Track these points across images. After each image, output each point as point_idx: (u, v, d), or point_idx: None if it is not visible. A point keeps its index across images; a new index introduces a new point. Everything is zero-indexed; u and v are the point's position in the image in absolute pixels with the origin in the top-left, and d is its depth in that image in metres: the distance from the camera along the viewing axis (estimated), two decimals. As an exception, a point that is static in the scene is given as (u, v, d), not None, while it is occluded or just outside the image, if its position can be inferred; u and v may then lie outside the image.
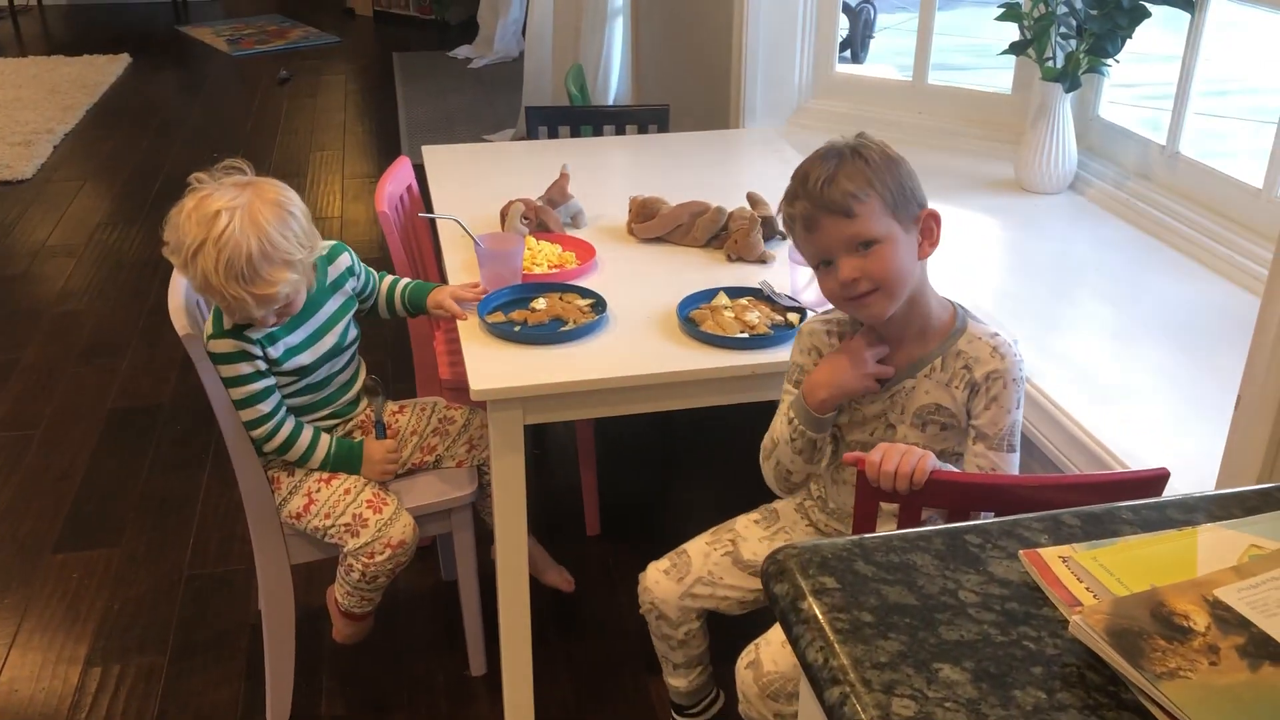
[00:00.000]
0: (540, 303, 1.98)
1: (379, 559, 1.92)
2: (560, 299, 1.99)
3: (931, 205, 2.53)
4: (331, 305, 1.95)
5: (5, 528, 2.62)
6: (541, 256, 2.16)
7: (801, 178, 1.49)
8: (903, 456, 1.37)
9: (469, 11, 7.07)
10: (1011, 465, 1.52)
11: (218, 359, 1.84)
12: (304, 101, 5.90)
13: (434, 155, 2.74)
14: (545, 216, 2.28)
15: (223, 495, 2.70)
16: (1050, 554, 0.83)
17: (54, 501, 2.71)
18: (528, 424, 1.83)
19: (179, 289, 1.89)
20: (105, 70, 6.29)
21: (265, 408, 1.88)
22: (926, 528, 0.87)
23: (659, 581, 1.81)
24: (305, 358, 1.91)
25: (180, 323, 1.81)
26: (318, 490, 1.95)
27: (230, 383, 1.86)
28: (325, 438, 1.95)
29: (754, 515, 1.83)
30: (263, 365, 1.86)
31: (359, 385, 2.06)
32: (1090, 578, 0.80)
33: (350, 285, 1.99)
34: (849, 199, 1.44)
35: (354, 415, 2.06)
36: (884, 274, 1.44)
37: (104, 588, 2.44)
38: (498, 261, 2.03)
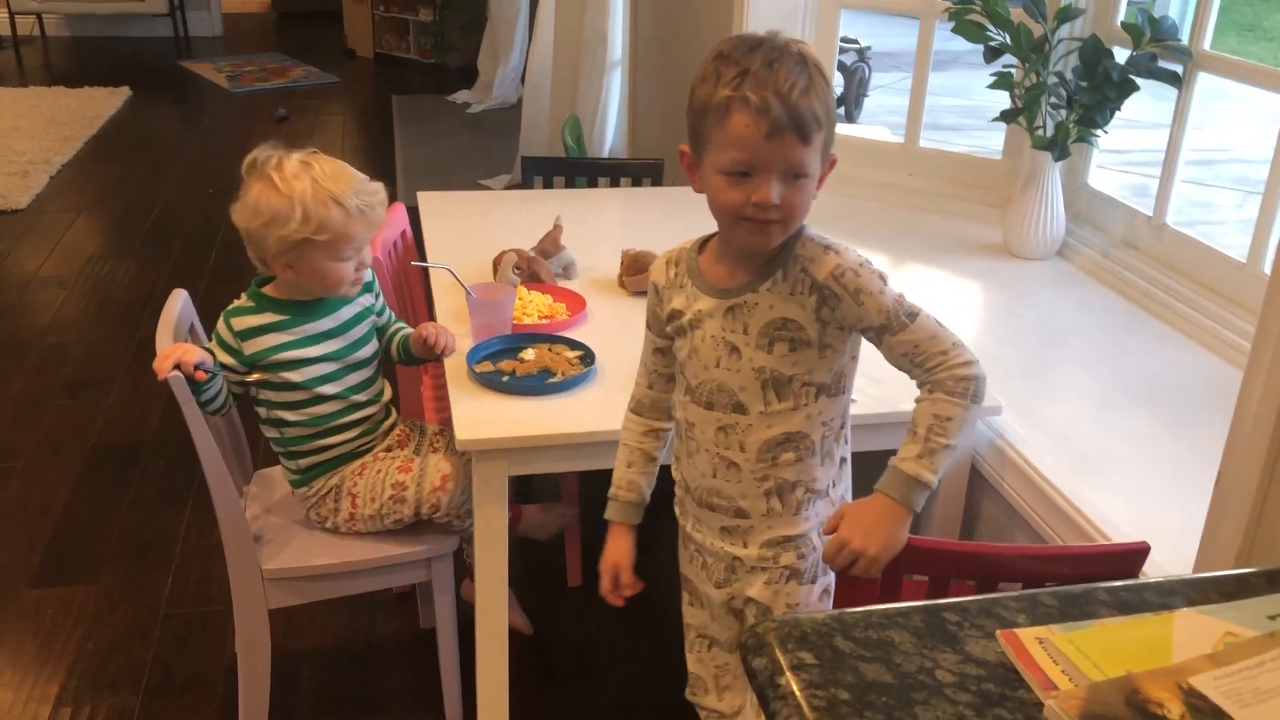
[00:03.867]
0: (529, 353, 1.99)
1: (442, 505, 1.96)
2: (549, 350, 2.00)
3: (919, 267, 2.59)
4: (348, 310, 1.97)
5: (-19, 561, 2.60)
6: (532, 307, 2.17)
7: (768, 64, 1.29)
8: (856, 561, 1.34)
9: (469, 57, 7.14)
10: (925, 327, 1.37)
11: (233, 311, 1.90)
12: (302, 140, 5.88)
13: (429, 201, 2.76)
14: (537, 267, 2.30)
15: (203, 535, 2.68)
16: (1027, 635, 0.83)
17: (32, 536, 2.69)
18: (512, 475, 1.83)
19: (168, 328, 1.89)
20: (105, 102, 6.32)
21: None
22: (905, 604, 0.87)
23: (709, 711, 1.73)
24: (331, 345, 1.93)
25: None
26: (354, 486, 1.98)
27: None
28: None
29: (681, 552, 1.67)
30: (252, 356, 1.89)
31: (386, 398, 2.06)
32: (1066, 660, 0.80)
33: (366, 299, 2.00)
34: (815, 122, 1.30)
35: (383, 428, 2.06)
36: (795, 209, 1.33)
37: (79, 625, 2.41)
38: (488, 311, 2.04)
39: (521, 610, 2.37)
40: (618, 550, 1.63)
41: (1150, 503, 1.74)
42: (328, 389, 1.93)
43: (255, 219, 1.80)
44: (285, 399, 1.93)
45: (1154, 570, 1.50)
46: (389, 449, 2.05)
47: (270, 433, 1.99)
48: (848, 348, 1.43)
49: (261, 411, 1.97)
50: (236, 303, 1.92)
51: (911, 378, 1.40)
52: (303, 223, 1.78)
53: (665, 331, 1.51)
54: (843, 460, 1.52)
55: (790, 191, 1.32)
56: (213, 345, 1.90)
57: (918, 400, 1.38)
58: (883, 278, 1.38)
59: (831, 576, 1.53)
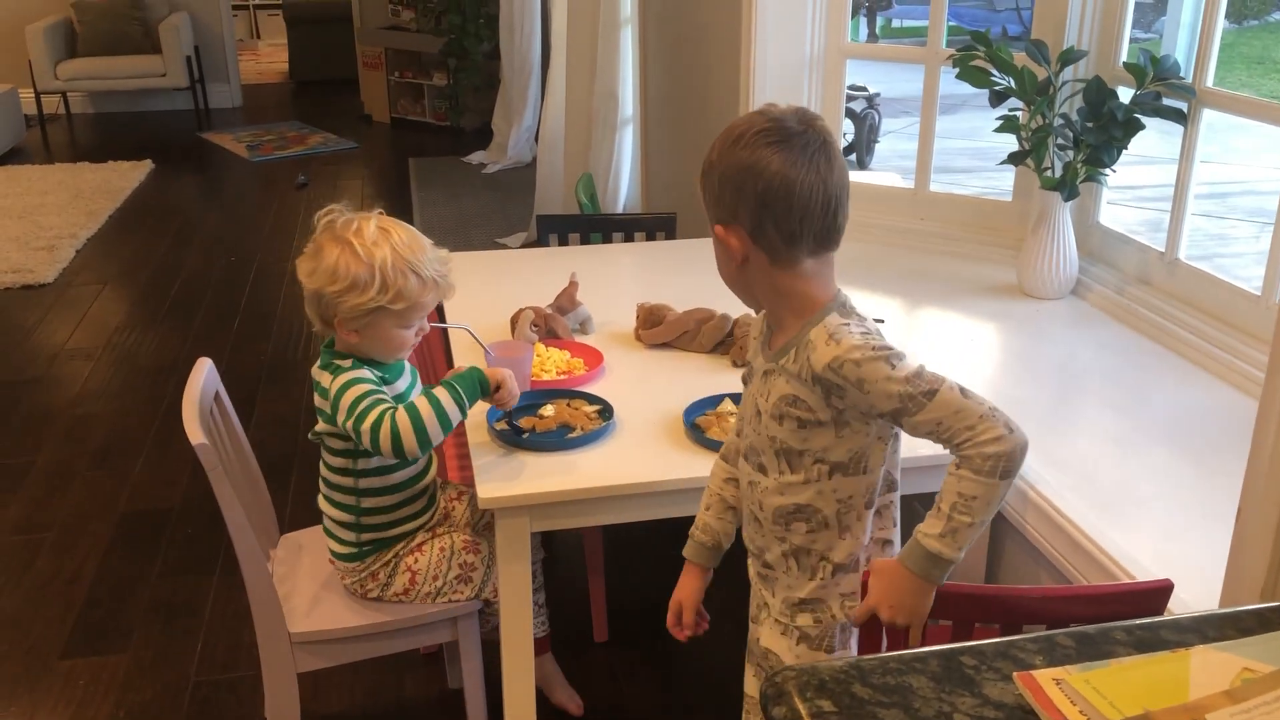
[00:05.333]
0: (549, 409, 2.00)
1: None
2: (568, 405, 2.02)
3: (934, 310, 2.60)
4: (408, 372, 1.98)
5: (15, 634, 2.62)
6: (550, 363, 2.20)
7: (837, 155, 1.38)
8: (899, 624, 1.37)
9: (483, 118, 7.25)
10: (948, 403, 1.32)
11: (339, 373, 1.84)
12: (322, 206, 6.00)
13: (446, 262, 2.80)
14: (554, 323, 2.32)
15: (231, 600, 2.70)
16: (1044, 676, 0.84)
17: (63, 606, 2.71)
18: (535, 531, 1.84)
19: (194, 397, 1.92)
20: (129, 176, 6.45)
21: (379, 411, 1.78)
22: (923, 649, 0.88)
23: None
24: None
25: (194, 431, 1.84)
26: (415, 562, 1.99)
27: (347, 404, 1.80)
28: (439, 388, 1.85)
29: (750, 667, 1.65)
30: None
31: (432, 474, 2.05)
32: (1084, 701, 0.81)
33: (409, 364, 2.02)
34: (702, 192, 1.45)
35: (433, 511, 2.07)
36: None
37: (110, 695, 2.42)
38: (507, 369, 2.06)
39: (568, 685, 2.34)
40: (686, 588, 1.67)
41: (1174, 539, 1.73)
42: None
43: (333, 284, 1.79)
44: (384, 464, 1.92)
45: (1179, 608, 1.49)
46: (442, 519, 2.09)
47: (343, 501, 1.96)
48: (872, 430, 1.41)
49: (348, 481, 1.94)
50: (340, 364, 1.86)
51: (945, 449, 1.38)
52: (380, 291, 1.79)
53: (744, 378, 1.58)
54: (886, 543, 1.51)
55: None
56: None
57: (948, 472, 1.36)
58: (891, 360, 1.33)
59: (851, 650, 1.53)
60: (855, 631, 1.51)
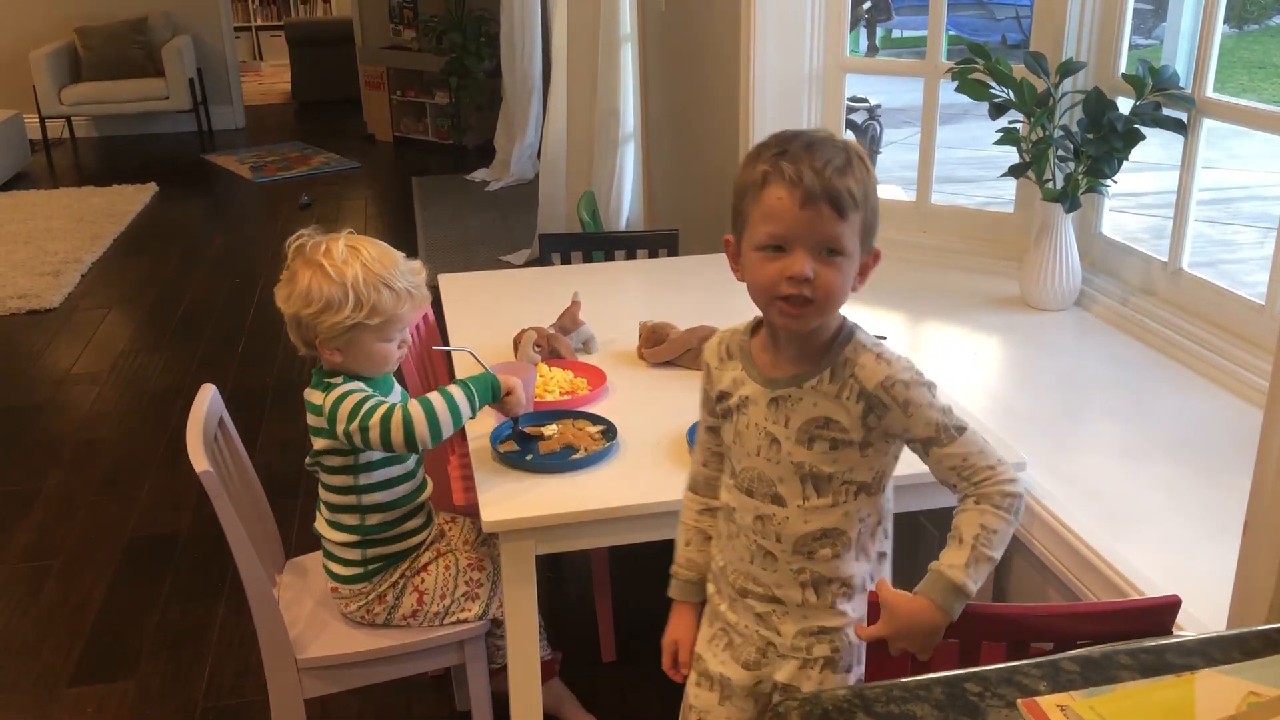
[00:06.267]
0: (552, 429, 2.00)
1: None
2: (572, 425, 2.02)
3: (938, 324, 2.60)
4: (397, 387, 2.00)
5: (23, 662, 2.62)
6: (553, 383, 2.19)
7: (807, 145, 1.31)
8: (910, 647, 1.35)
9: (485, 136, 7.27)
10: (973, 441, 1.37)
11: (331, 389, 1.86)
12: (325, 226, 6.02)
13: (449, 283, 2.81)
14: (557, 344, 2.32)
15: (238, 625, 2.70)
16: (1049, 703, 0.83)
17: (70, 634, 2.71)
18: (540, 554, 1.84)
19: (198, 424, 1.92)
20: (133, 199, 6.47)
21: (385, 406, 1.82)
22: (926, 676, 0.87)
23: None
24: None
25: (198, 459, 1.84)
26: (422, 582, 1.99)
27: (347, 411, 1.82)
28: (452, 385, 1.88)
29: (704, 629, 1.63)
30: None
31: (428, 491, 2.06)
32: (1089, 728, 0.80)
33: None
34: (850, 198, 1.31)
35: (431, 527, 2.07)
36: (830, 289, 1.32)
37: (118, 722, 2.42)
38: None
39: (580, 707, 2.31)
40: (679, 628, 1.63)
41: (1183, 554, 1.72)
42: (410, 465, 1.97)
43: (307, 306, 1.82)
44: (387, 476, 1.94)
45: (1188, 623, 1.48)
46: (439, 537, 2.08)
47: (347, 521, 1.96)
48: (892, 449, 1.43)
49: (350, 499, 1.94)
50: (331, 381, 1.88)
51: (955, 490, 1.40)
52: (355, 308, 1.81)
53: (715, 411, 1.51)
54: (881, 555, 1.51)
55: (824, 269, 1.32)
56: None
57: (962, 510, 1.37)
58: (931, 389, 1.38)
59: (864, 666, 1.52)
60: (864, 644, 1.51)
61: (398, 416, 1.79)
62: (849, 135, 5.76)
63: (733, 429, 1.47)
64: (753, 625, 1.52)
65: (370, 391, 1.87)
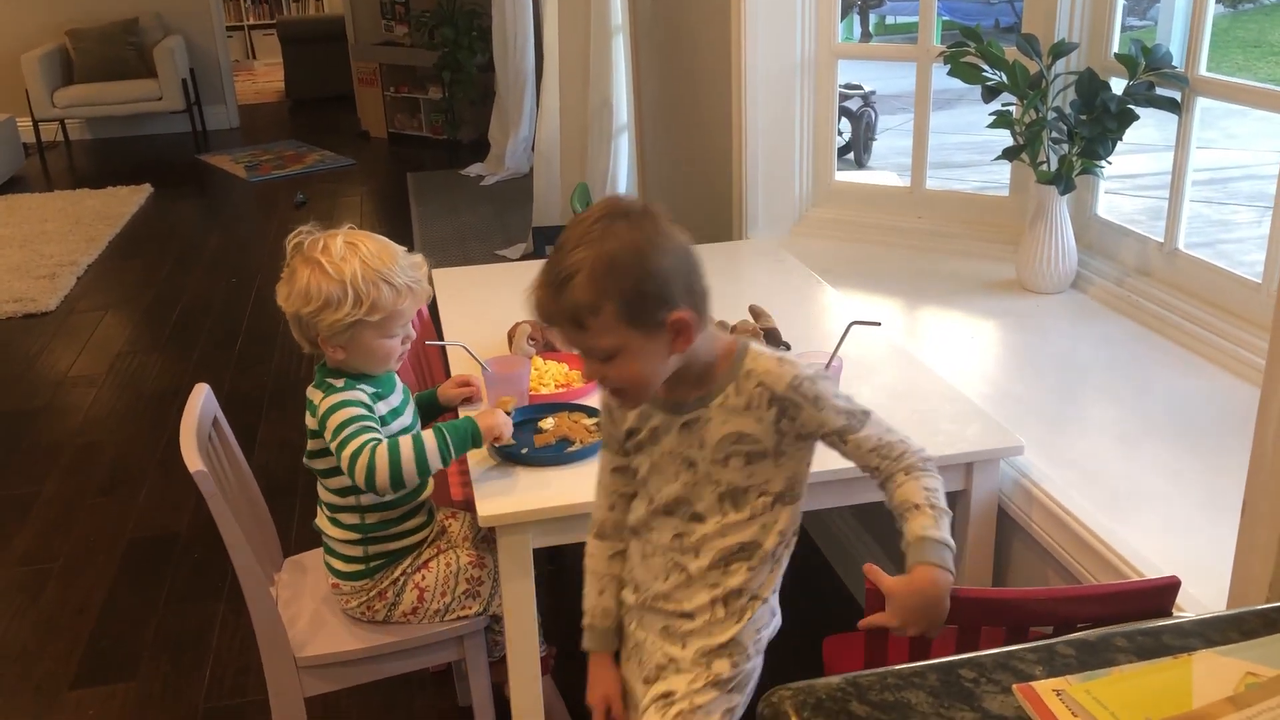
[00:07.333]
0: (548, 422, 2.00)
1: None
2: (568, 417, 2.01)
3: (934, 308, 2.59)
4: (400, 384, 1.99)
5: (24, 666, 2.61)
6: (548, 376, 2.19)
7: (549, 264, 1.32)
8: (923, 627, 1.35)
9: (480, 130, 7.25)
10: (880, 422, 1.41)
11: (331, 391, 1.85)
12: (324, 224, 6.03)
13: (443, 278, 2.79)
14: (551, 336, 2.31)
15: (238, 625, 2.69)
16: (1044, 688, 0.82)
17: (71, 638, 2.71)
18: (537, 547, 1.83)
19: (191, 424, 1.92)
20: (128, 201, 6.46)
21: (360, 440, 1.79)
22: (921, 663, 0.87)
23: None
24: (406, 419, 1.94)
25: (192, 459, 1.84)
26: (422, 579, 1.98)
27: (333, 427, 1.81)
28: (426, 432, 1.86)
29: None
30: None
31: (430, 488, 2.05)
32: (1085, 713, 0.79)
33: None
34: (581, 311, 1.28)
35: (433, 525, 2.06)
36: (629, 379, 1.32)
37: (120, 724, 2.42)
38: (505, 384, 2.05)
39: (567, 714, 2.28)
40: (604, 681, 1.60)
41: (1183, 534, 1.72)
42: None
43: (307, 304, 1.80)
44: None
45: (1188, 603, 1.48)
46: (440, 534, 2.08)
47: (347, 520, 1.95)
48: (804, 453, 1.45)
49: (351, 500, 1.93)
50: (332, 383, 1.87)
51: (876, 475, 1.42)
52: (355, 305, 1.79)
53: (625, 449, 1.51)
54: (778, 562, 1.50)
55: (608, 368, 1.33)
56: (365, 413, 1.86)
57: (897, 485, 1.39)
58: (833, 382, 1.44)
59: (744, 698, 1.52)
60: (759, 671, 1.51)
61: (364, 460, 1.76)
62: (844, 122, 5.72)
63: (648, 461, 1.47)
64: (658, 641, 1.52)
65: (365, 410, 1.84)
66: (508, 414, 1.92)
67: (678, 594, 1.48)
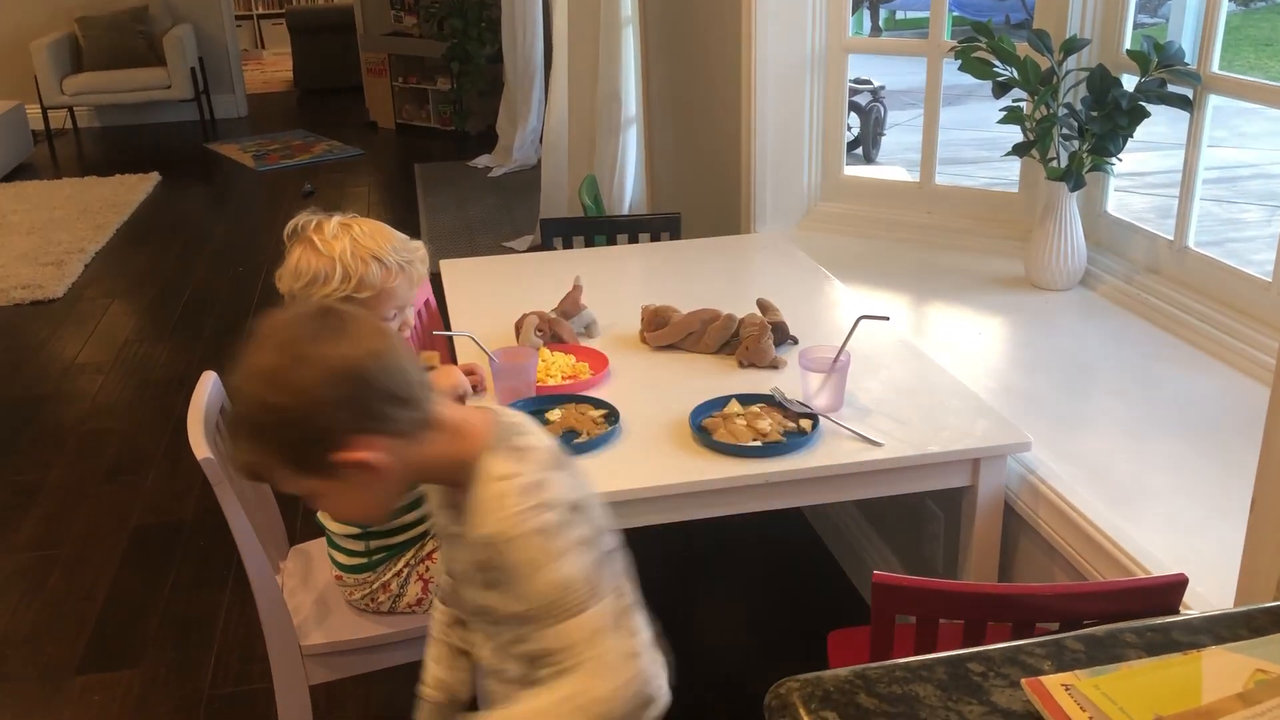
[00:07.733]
0: (555, 414, 1.99)
1: None
2: (575, 409, 2.01)
3: (943, 305, 2.58)
4: None
5: (29, 652, 2.62)
6: (555, 368, 2.18)
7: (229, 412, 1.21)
8: None
9: (488, 122, 7.25)
10: (584, 626, 1.14)
11: None
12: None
13: (451, 269, 2.79)
14: (559, 328, 2.31)
15: (244, 612, 2.70)
16: (1053, 682, 0.82)
17: (77, 623, 2.71)
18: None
19: (199, 412, 1.92)
20: (136, 189, 6.47)
21: None
22: (929, 656, 0.87)
23: None
24: None
25: (199, 446, 1.84)
26: (427, 570, 1.98)
27: None
28: None
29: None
30: None
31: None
32: (1094, 707, 0.79)
33: None
34: (257, 469, 1.16)
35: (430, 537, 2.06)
36: (341, 516, 1.24)
37: (125, 711, 2.43)
38: (512, 375, 2.05)
39: None
40: None
41: (1190, 532, 1.71)
42: None
43: (297, 281, 1.82)
44: None
45: (1195, 601, 1.47)
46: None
47: None
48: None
49: None
50: None
51: (530, 672, 1.21)
52: (343, 281, 1.80)
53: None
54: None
55: (318, 503, 1.25)
56: None
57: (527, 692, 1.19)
58: (551, 553, 1.16)
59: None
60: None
61: None
62: (853, 117, 5.69)
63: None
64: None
65: None
66: (431, 369, 1.92)
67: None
